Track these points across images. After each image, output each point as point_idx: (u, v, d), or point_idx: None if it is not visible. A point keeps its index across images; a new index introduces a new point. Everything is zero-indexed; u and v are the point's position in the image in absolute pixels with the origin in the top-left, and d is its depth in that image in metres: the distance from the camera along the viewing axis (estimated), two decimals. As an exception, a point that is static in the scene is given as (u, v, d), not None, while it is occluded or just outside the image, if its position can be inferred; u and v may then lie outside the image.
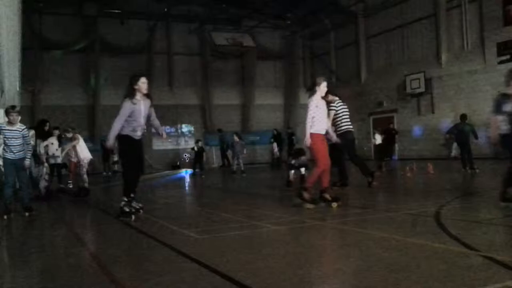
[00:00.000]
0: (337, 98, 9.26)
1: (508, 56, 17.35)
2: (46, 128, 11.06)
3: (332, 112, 9.06)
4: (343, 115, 9.15)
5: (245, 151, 16.85)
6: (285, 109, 28.21)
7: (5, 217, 7.04)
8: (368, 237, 4.65)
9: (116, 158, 21.14)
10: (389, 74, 23.08)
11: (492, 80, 18.04)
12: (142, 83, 6.41)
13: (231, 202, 8.86)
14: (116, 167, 21.07)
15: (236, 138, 16.37)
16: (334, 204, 6.65)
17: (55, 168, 11.24)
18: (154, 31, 25.06)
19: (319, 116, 6.79)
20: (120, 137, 6.46)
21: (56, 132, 11.27)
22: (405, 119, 22.31)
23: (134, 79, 6.44)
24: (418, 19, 21.51)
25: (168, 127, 25.15)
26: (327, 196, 6.75)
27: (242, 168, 16.22)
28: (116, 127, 6.35)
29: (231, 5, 25.47)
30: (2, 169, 9.41)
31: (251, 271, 3.50)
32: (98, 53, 23.49)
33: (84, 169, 10.23)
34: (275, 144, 21.32)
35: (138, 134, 6.51)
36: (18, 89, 11.18)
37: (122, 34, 24.14)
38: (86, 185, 10.12)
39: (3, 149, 7.48)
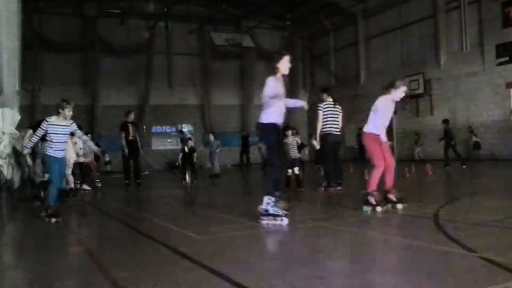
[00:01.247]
0: (329, 100, 9.28)
1: (507, 58, 17.38)
2: None
3: (320, 113, 9.16)
4: (329, 117, 9.12)
5: (217, 151, 14.81)
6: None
7: (54, 220, 6.50)
8: (367, 238, 4.66)
9: (108, 158, 20.82)
10: (388, 75, 23.06)
11: (491, 82, 18.07)
12: (286, 62, 5.80)
13: (229, 203, 8.86)
14: (108, 167, 20.85)
15: (211, 138, 14.98)
16: (399, 206, 6.23)
17: (78, 167, 11.05)
18: (154, 31, 25.07)
19: (380, 116, 6.39)
20: (266, 126, 5.71)
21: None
22: (404, 120, 22.33)
23: (279, 57, 5.82)
24: (417, 21, 21.53)
25: (168, 127, 25.15)
26: (392, 197, 6.35)
27: (218, 171, 14.56)
28: (270, 106, 5.60)
29: (231, 5, 25.49)
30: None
31: (250, 272, 3.51)
32: (98, 53, 23.51)
33: (70, 170, 9.73)
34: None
35: (281, 119, 5.78)
36: (17, 88, 11.15)
37: (121, 34, 24.16)
38: (69, 186, 9.63)
39: (47, 145, 6.85)
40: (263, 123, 5.69)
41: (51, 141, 6.70)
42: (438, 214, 5.67)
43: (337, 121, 9.21)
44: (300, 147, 9.31)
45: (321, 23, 26.75)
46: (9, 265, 4.39)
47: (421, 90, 20.79)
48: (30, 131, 10.32)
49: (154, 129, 25.18)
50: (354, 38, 25.26)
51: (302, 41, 28.85)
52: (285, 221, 5.45)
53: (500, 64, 17.63)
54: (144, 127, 23.90)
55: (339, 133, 9.26)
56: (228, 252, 4.26)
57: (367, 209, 6.19)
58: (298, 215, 6.46)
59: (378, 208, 6.11)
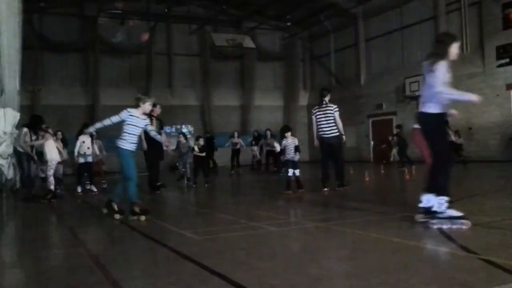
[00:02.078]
0: (326, 101, 9.33)
1: (507, 60, 17.40)
2: (43, 126, 10.60)
3: (313, 117, 9.47)
4: (320, 121, 9.27)
5: (172, 155, 12.92)
6: (285, 110, 28.27)
7: (143, 218, 6.27)
8: (366, 239, 4.65)
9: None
10: (388, 76, 23.10)
11: (491, 83, 18.08)
12: (456, 48, 5.04)
13: (229, 204, 8.87)
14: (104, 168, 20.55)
15: (182, 139, 13.46)
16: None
17: (86, 167, 11.02)
18: (154, 31, 25.10)
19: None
20: (433, 117, 4.94)
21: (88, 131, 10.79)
22: (404, 121, 22.32)
23: (450, 39, 5.04)
24: (417, 22, 21.55)
25: (168, 127, 25.14)
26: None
27: (188, 175, 12.55)
28: (437, 94, 4.81)
29: (231, 6, 25.51)
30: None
31: (249, 272, 3.51)
32: (98, 53, 23.53)
33: (52, 171, 9.45)
34: (256, 147, 20.26)
35: (447, 110, 5.07)
36: (18, 88, 11.17)
37: (122, 34, 24.20)
38: (52, 187, 9.34)
39: (121, 138, 6.48)
40: (429, 113, 4.92)
41: (128, 133, 6.41)
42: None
43: (329, 122, 9.17)
44: (296, 150, 9.20)
45: (322, 24, 26.76)
46: (9, 264, 4.39)
47: (421, 92, 20.73)
48: (25, 129, 10.27)
49: (154, 129, 25.24)
50: (355, 39, 25.27)
51: (302, 42, 28.86)
52: (467, 223, 4.69)
53: (500, 65, 17.63)
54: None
55: (333, 133, 9.18)
56: (228, 252, 4.26)
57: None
58: (299, 216, 6.47)
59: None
